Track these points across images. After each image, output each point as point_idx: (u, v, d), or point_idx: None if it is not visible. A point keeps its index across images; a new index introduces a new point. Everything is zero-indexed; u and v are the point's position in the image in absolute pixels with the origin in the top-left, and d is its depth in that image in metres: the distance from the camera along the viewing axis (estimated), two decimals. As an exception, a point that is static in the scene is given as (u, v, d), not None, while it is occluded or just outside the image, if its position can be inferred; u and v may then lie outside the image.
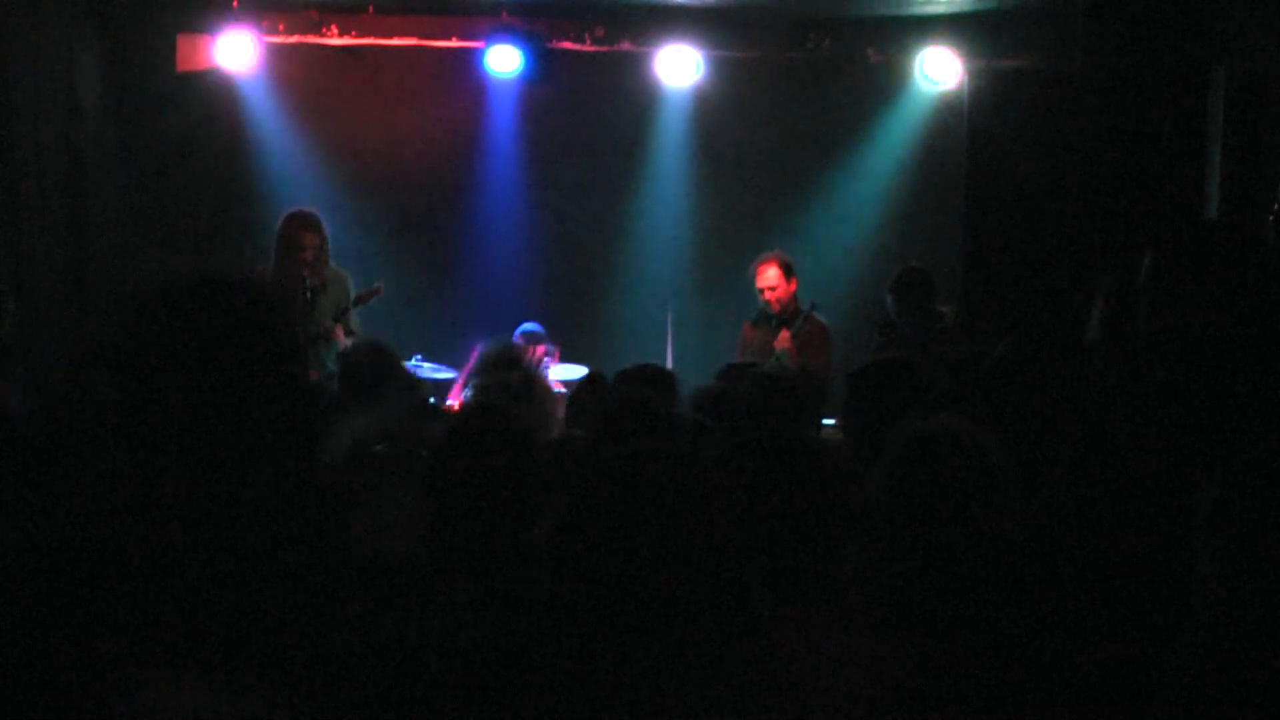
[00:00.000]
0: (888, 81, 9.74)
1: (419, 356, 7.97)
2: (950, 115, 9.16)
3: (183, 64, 9.50)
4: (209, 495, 1.78)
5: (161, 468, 1.79)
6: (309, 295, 7.24)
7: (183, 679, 1.74)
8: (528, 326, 8.93)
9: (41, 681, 1.68)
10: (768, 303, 8.09)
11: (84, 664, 1.73)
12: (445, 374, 8.10)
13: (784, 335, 7.95)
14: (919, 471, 2.81)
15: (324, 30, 9.58)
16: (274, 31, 9.51)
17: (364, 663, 1.70)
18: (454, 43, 9.64)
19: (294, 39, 9.57)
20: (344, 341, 7.42)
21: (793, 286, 8.11)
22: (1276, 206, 5.77)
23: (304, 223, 7.48)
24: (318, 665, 1.70)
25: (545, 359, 8.67)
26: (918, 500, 2.79)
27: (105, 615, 1.75)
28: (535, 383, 5.15)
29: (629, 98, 9.89)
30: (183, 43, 9.51)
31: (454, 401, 7.38)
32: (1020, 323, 5.19)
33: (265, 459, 1.82)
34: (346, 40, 9.62)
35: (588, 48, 9.70)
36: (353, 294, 7.57)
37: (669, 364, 8.98)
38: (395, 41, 9.62)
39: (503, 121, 9.95)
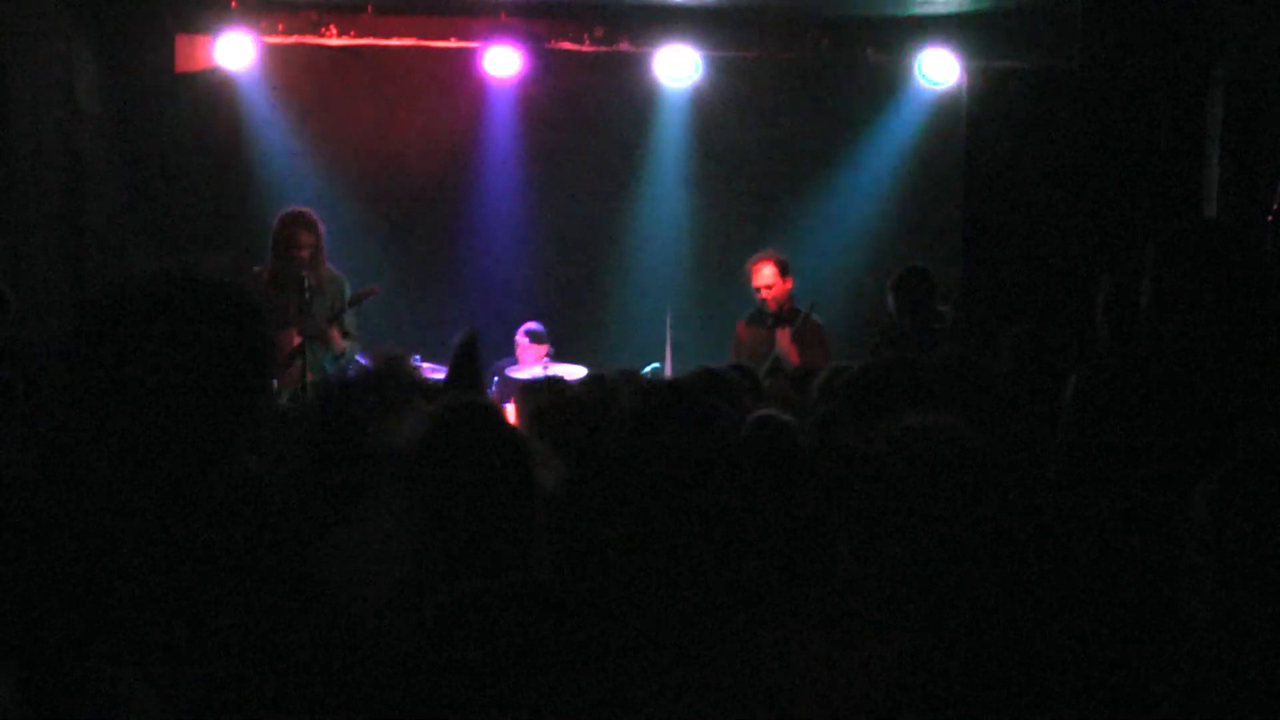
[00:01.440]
0: (887, 81, 9.74)
1: (417, 357, 7.97)
2: (949, 115, 9.17)
3: (182, 64, 9.50)
4: (177, 498, 1.77)
5: (133, 467, 1.78)
6: (307, 295, 7.23)
7: (166, 675, 1.74)
8: (531, 327, 8.96)
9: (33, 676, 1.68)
10: (764, 301, 8.08)
11: (73, 660, 1.73)
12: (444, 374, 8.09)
13: (783, 335, 7.94)
14: (912, 469, 2.82)
15: (323, 30, 9.58)
16: (273, 31, 9.50)
17: (358, 663, 1.70)
18: (453, 43, 9.64)
19: (293, 39, 9.56)
20: (340, 343, 7.42)
21: (789, 285, 8.10)
22: (1275, 207, 5.77)
23: (300, 221, 7.48)
24: (313, 665, 1.70)
25: (545, 359, 8.68)
26: (909, 498, 2.80)
27: (94, 614, 1.75)
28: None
29: (628, 98, 9.89)
30: (182, 43, 9.51)
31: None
32: (1017, 324, 5.17)
33: (223, 456, 1.81)
34: (345, 40, 9.61)
35: (587, 48, 9.70)
36: (348, 295, 7.56)
37: (667, 363, 8.99)
38: (394, 42, 9.62)
39: (502, 122, 9.95)
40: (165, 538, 1.76)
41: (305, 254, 7.42)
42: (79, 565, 1.74)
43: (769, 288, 8.06)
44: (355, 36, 9.60)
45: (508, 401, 6.34)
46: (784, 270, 8.10)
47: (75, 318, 1.85)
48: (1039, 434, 3.76)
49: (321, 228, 7.55)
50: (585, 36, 9.68)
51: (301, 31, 9.56)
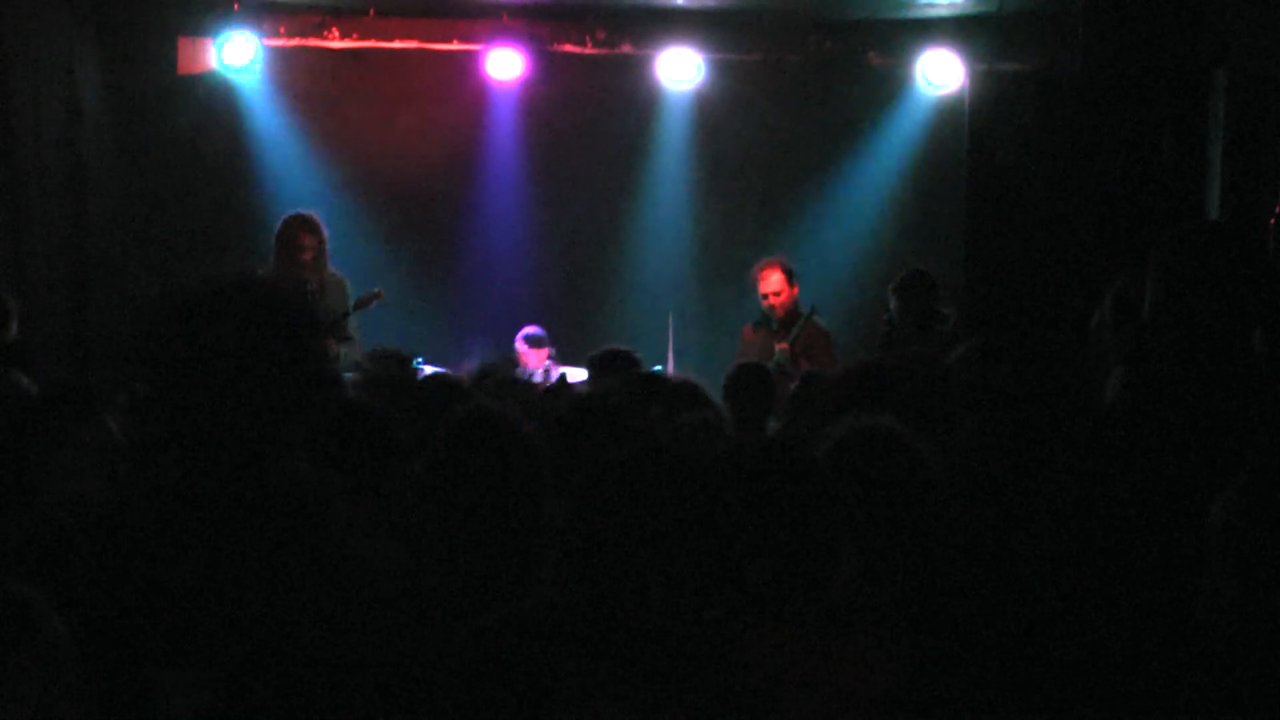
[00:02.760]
0: (889, 84, 9.74)
1: (419, 359, 7.95)
2: (951, 118, 9.17)
3: (184, 66, 9.50)
4: (234, 494, 1.77)
5: (193, 463, 1.78)
6: (309, 298, 7.23)
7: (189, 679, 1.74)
8: (530, 331, 8.95)
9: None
10: (771, 307, 8.09)
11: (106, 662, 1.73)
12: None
13: (781, 349, 7.93)
14: (851, 468, 2.83)
15: (325, 33, 9.59)
16: (275, 34, 9.51)
17: (366, 670, 1.70)
18: (455, 45, 9.65)
19: (295, 41, 9.57)
20: (334, 348, 7.39)
21: (794, 292, 8.13)
22: (1277, 208, 5.77)
23: (303, 224, 7.49)
24: (321, 673, 1.69)
25: (548, 364, 8.67)
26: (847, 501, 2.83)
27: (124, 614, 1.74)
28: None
29: (630, 100, 9.89)
30: (184, 45, 9.51)
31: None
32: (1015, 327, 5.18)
33: (285, 460, 1.82)
34: (348, 43, 9.62)
35: (589, 50, 9.71)
36: (350, 299, 7.55)
37: (670, 366, 8.98)
38: (396, 44, 9.62)
39: (503, 124, 9.95)
40: (222, 539, 1.77)
41: (308, 256, 7.43)
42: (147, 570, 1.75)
43: (776, 294, 8.08)
44: (357, 39, 9.61)
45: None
46: (790, 277, 8.13)
47: (135, 321, 1.86)
48: (1042, 437, 3.75)
49: (324, 231, 7.56)
50: (587, 39, 9.69)
51: (304, 34, 9.56)
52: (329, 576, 1.83)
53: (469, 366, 5.87)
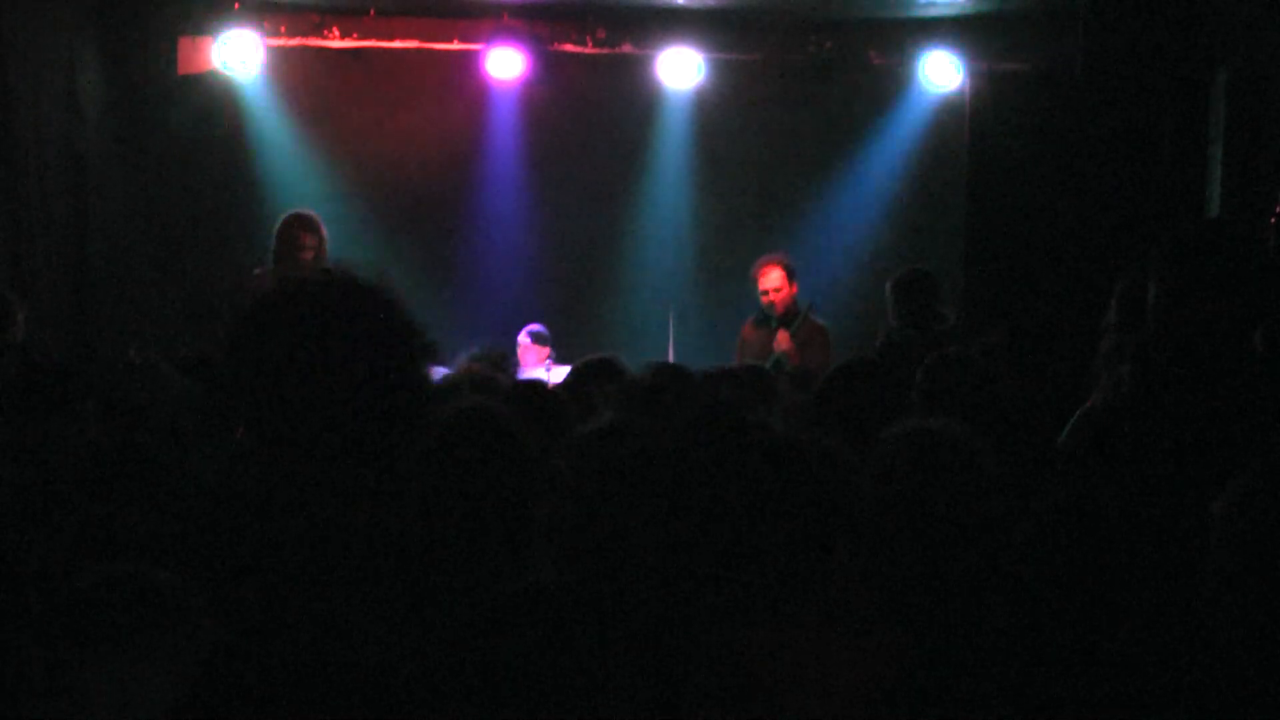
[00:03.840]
0: (889, 84, 9.73)
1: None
2: (952, 118, 9.17)
3: (184, 66, 9.50)
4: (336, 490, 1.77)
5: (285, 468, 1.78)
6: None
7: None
8: (533, 328, 8.95)
9: None
10: (771, 304, 8.09)
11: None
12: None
13: (782, 336, 7.95)
14: (914, 471, 2.82)
15: (325, 32, 9.58)
16: (275, 34, 9.50)
17: (357, 668, 1.70)
18: (455, 45, 9.64)
19: (295, 41, 9.57)
20: None
21: (794, 289, 8.12)
22: (1277, 208, 5.77)
23: (303, 224, 7.48)
24: (321, 671, 1.69)
25: (549, 362, 8.68)
26: (911, 500, 2.81)
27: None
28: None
29: (630, 100, 9.89)
30: (184, 44, 9.50)
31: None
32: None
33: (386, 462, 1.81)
34: (348, 42, 9.62)
35: (589, 50, 9.70)
36: None
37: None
38: (397, 44, 9.62)
39: (504, 124, 9.95)
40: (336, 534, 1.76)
41: (308, 256, 7.41)
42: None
43: (776, 290, 8.07)
44: (358, 38, 9.61)
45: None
46: (791, 275, 8.13)
47: (241, 320, 1.85)
48: (1044, 435, 3.76)
49: (324, 230, 7.54)
50: (588, 38, 9.68)
51: (304, 33, 9.56)
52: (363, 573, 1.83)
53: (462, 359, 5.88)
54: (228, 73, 9.40)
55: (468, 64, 9.58)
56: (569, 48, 9.68)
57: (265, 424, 1.77)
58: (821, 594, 2.60)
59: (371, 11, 9.56)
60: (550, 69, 9.61)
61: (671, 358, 8.83)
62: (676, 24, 9.58)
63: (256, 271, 7.60)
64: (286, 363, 1.76)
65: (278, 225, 7.58)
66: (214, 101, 9.49)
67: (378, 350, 1.82)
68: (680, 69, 9.64)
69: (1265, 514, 2.17)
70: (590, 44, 9.70)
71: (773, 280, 8.09)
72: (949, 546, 2.77)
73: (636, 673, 2.26)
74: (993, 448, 2.94)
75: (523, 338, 8.89)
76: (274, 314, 1.82)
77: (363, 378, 1.79)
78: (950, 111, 9.29)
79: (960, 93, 8.97)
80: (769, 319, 8.12)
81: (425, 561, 2.80)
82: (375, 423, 1.78)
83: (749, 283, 8.22)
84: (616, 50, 9.71)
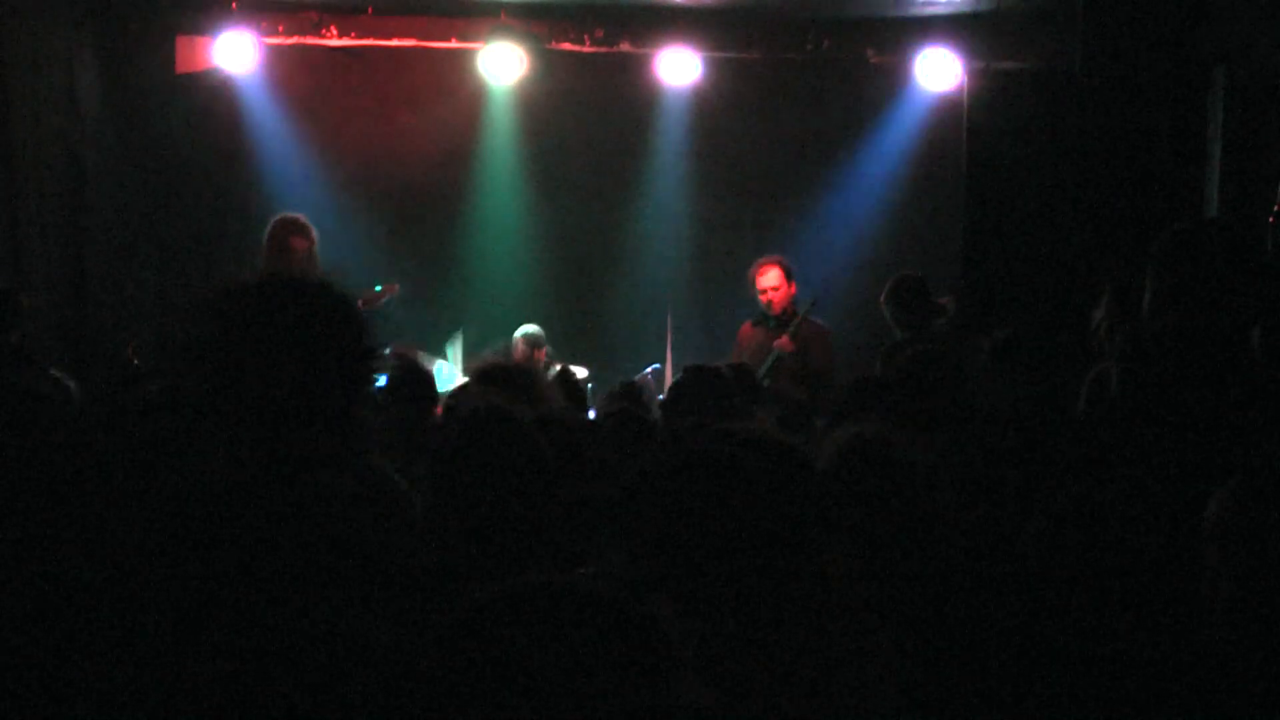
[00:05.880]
0: (887, 82, 9.73)
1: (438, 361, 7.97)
2: (950, 116, 9.17)
3: (182, 65, 9.50)
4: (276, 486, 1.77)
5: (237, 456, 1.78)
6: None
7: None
8: (528, 329, 8.95)
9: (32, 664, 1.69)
10: (769, 303, 8.09)
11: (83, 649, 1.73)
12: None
13: (784, 339, 7.95)
14: (854, 475, 2.87)
15: (323, 31, 9.58)
16: (273, 32, 9.50)
17: (372, 663, 1.70)
18: (453, 44, 9.64)
19: (293, 40, 9.56)
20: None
21: (792, 290, 8.13)
22: (1276, 207, 5.77)
23: (292, 227, 7.46)
24: (333, 664, 1.69)
25: (545, 361, 8.67)
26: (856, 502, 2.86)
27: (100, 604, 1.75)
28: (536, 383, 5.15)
29: (628, 99, 9.88)
30: (182, 43, 9.50)
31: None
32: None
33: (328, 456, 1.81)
34: (346, 41, 9.61)
35: (587, 49, 9.70)
36: (360, 297, 7.53)
37: (668, 364, 8.99)
38: (395, 42, 9.61)
39: (502, 122, 9.95)
40: (269, 537, 1.77)
41: (297, 260, 7.39)
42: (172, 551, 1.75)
43: (775, 289, 8.07)
44: (356, 37, 9.60)
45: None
46: (789, 275, 8.13)
47: (187, 321, 1.85)
48: (1045, 435, 3.75)
49: (314, 233, 7.52)
50: (586, 37, 9.68)
51: (302, 32, 9.55)
52: (355, 574, 1.83)
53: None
54: (225, 71, 9.40)
55: (466, 63, 9.58)
56: (567, 46, 9.68)
57: (207, 426, 1.78)
58: (820, 594, 2.60)
59: (369, 10, 9.56)
60: (548, 68, 9.61)
61: (669, 356, 8.84)
62: (675, 23, 9.58)
63: (247, 274, 7.59)
64: (228, 366, 1.77)
65: (267, 229, 7.56)
66: (212, 100, 9.49)
67: (318, 352, 1.83)
68: (678, 67, 9.63)
69: (1259, 514, 2.18)
70: (588, 43, 9.69)
71: (770, 279, 8.10)
72: (890, 543, 2.82)
73: (636, 672, 2.25)
74: (935, 448, 2.99)
75: (516, 341, 8.88)
76: (216, 319, 1.83)
77: (300, 379, 1.79)
78: (948, 110, 9.28)
79: (958, 91, 8.97)
80: (767, 319, 8.12)
81: (437, 560, 2.81)
82: (314, 421, 1.79)
83: (746, 282, 8.22)
84: (615, 49, 9.70)
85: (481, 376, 4.36)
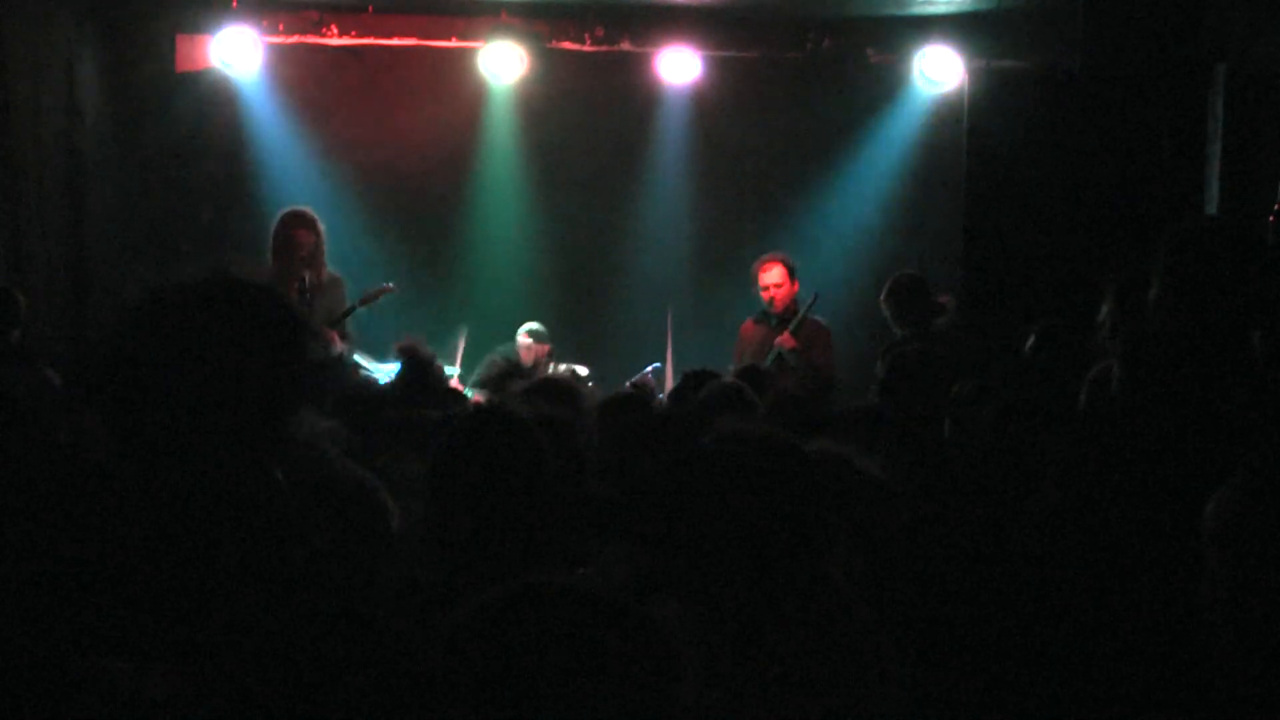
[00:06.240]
0: (887, 81, 9.74)
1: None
2: (950, 115, 9.17)
3: (182, 64, 9.50)
4: (209, 494, 1.77)
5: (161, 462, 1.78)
6: (306, 295, 7.21)
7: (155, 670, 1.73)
8: (531, 326, 8.96)
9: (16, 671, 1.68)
10: (771, 301, 8.09)
11: (58, 652, 1.72)
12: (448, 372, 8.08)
13: (786, 335, 7.95)
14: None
15: (324, 30, 9.58)
16: (274, 31, 9.50)
17: (372, 666, 1.71)
18: (454, 43, 9.64)
19: (294, 39, 9.57)
20: (339, 345, 7.38)
21: (795, 288, 8.12)
22: (1276, 206, 5.77)
23: (299, 221, 7.46)
24: (324, 668, 1.69)
25: (547, 359, 8.69)
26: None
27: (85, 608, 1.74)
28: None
29: (629, 98, 9.88)
30: (182, 42, 9.51)
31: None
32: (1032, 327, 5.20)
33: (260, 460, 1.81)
34: (346, 40, 9.61)
35: (588, 48, 9.70)
36: (348, 298, 7.53)
37: (668, 363, 8.99)
38: (395, 41, 9.61)
39: (502, 121, 9.94)
40: (186, 538, 1.77)
41: (305, 253, 7.39)
42: (94, 560, 1.75)
43: (777, 286, 8.06)
44: (356, 36, 9.60)
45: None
46: (792, 273, 8.13)
47: (118, 318, 1.85)
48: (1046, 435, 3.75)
49: (321, 227, 7.52)
50: (586, 36, 9.68)
51: (302, 31, 9.56)
52: (295, 577, 1.83)
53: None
54: (226, 70, 9.40)
55: (466, 62, 9.58)
56: (567, 45, 9.68)
57: (139, 424, 1.78)
58: (818, 594, 2.60)
59: (370, 9, 9.56)
60: (549, 67, 9.61)
61: (669, 355, 8.85)
62: (675, 22, 9.58)
63: (254, 269, 7.59)
64: (163, 364, 1.77)
65: (274, 223, 7.56)
66: (212, 99, 9.49)
67: (256, 348, 1.82)
68: (679, 66, 9.64)
69: (1258, 514, 2.18)
70: (589, 42, 9.70)
71: (773, 277, 8.09)
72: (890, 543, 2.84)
73: (639, 673, 2.26)
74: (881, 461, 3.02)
75: (521, 336, 8.89)
76: (150, 317, 1.83)
77: (238, 376, 1.79)
78: (948, 109, 9.28)
79: (958, 90, 8.96)
80: (769, 316, 8.12)
81: (439, 558, 2.81)
82: (254, 420, 1.78)
83: (748, 280, 8.22)
84: (615, 48, 9.71)
85: (537, 391, 4.32)
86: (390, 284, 7.68)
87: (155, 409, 1.80)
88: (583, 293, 10.00)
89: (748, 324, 8.30)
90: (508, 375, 8.31)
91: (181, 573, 1.76)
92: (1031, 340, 4.86)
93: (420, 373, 5.17)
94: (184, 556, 1.77)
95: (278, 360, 1.87)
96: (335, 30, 9.58)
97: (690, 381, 5.30)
